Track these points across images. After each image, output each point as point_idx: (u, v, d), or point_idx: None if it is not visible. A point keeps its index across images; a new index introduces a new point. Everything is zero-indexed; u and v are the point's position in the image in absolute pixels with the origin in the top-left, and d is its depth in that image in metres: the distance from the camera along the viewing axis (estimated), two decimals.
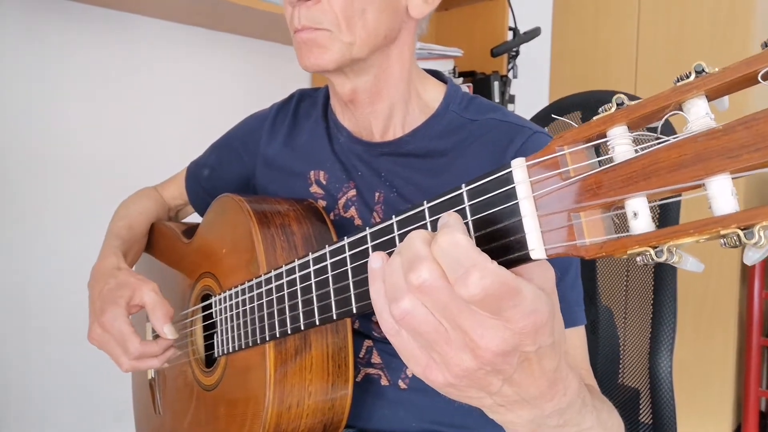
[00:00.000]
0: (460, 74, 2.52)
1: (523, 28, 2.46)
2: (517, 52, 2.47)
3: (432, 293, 0.48)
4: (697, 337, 2.97)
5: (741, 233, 0.36)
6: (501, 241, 0.50)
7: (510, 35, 2.53)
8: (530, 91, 3.15)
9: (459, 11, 2.71)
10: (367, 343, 1.07)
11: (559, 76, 3.61)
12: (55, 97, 1.91)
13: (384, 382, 1.06)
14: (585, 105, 1.48)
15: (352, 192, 1.10)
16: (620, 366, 1.38)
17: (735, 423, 2.96)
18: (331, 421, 0.99)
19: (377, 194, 1.07)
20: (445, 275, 0.48)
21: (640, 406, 1.31)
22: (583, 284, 1.01)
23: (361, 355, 1.07)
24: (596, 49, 3.44)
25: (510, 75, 2.49)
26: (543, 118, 1.55)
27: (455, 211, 0.54)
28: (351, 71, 1.01)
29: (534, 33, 2.41)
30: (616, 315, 1.42)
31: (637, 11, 3.27)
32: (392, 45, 1.03)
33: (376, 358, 1.06)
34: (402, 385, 1.04)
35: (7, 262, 1.85)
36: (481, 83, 2.45)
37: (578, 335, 0.97)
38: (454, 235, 0.48)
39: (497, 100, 2.43)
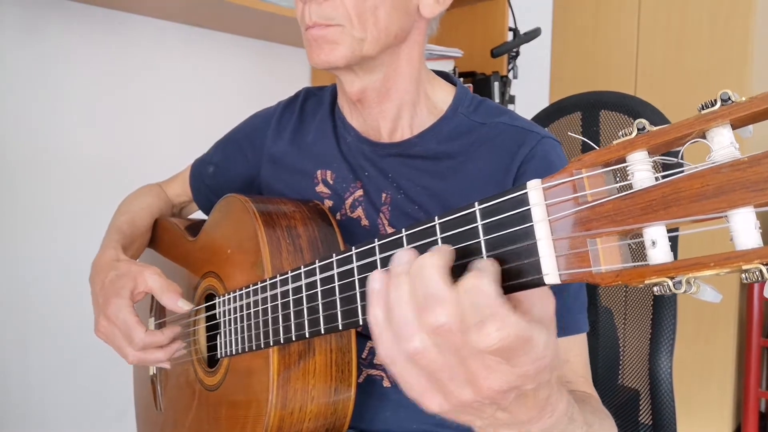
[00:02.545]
0: (461, 75, 2.52)
1: (523, 29, 2.46)
2: (518, 53, 2.46)
3: (447, 336, 0.48)
4: (697, 338, 2.98)
5: (764, 269, 0.36)
6: (514, 264, 0.49)
7: (510, 36, 2.52)
8: (530, 91, 3.15)
9: (459, 11, 2.71)
10: (370, 344, 1.07)
11: (560, 76, 3.60)
12: (55, 97, 1.91)
13: (386, 383, 1.05)
14: (585, 105, 1.47)
15: (359, 192, 1.09)
16: (620, 367, 1.38)
17: (735, 423, 2.96)
18: (333, 424, 0.99)
19: (384, 195, 1.07)
20: (463, 320, 0.47)
21: (640, 407, 1.31)
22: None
23: (363, 356, 1.07)
24: (596, 49, 3.44)
25: (510, 75, 2.48)
26: (543, 118, 1.54)
27: (468, 229, 0.53)
28: (360, 69, 1.01)
29: (534, 33, 2.41)
30: (616, 316, 1.41)
31: (637, 11, 3.26)
32: (402, 44, 1.02)
33: (378, 359, 1.06)
34: None
35: (8, 262, 1.85)
36: (481, 84, 2.44)
37: (580, 343, 0.97)
38: (481, 280, 0.47)
39: (497, 100, 2.43)
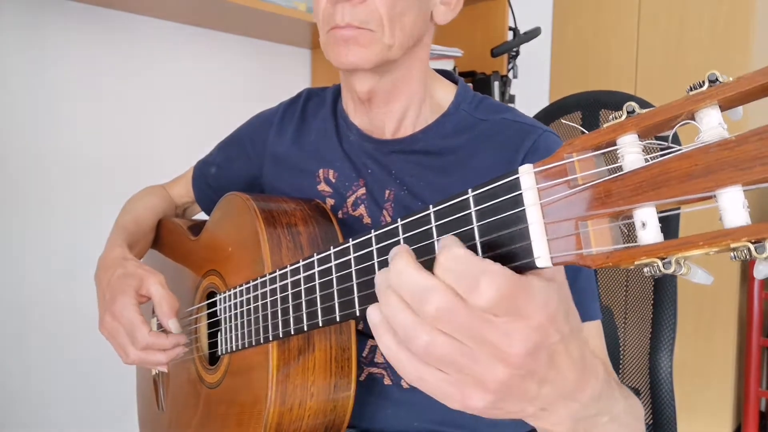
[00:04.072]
0: (461, 74, 2.52)
1: (523, 28, 2.46)
2: (518, 52, 2.46)
3: (450, 316, 0.48)
4: (697, 337, 2.97)
5: (752, 247, 0.36)
6: (507, 248, 0.49)
7: (510, 35, 2.53)
8: (530, 91, 3.15)
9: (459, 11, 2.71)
10: (371, 342, 1.07)
11: (559, 76, 3.60)
12: (55, 97, 1.91)
13: (387, 381, 1.05)
14: (585, 105, 1.48)
15: (362, 190, 1.10)
16: (620, 366, 1.38)
17: (735, 423, 2.96)
18: (333, 422, 0.99)
19: (387, 192, 1.07)
20: (457, 294, 0.47)
21: None
22: None
23: (364, 354, 1.07)
24: (596, 49, 3.44)
25: (510, 75, 2.48)
26: (543, 118, 1.55)
27: (461, 216, 0.54)
28: (379, 71, 1.02)
29: (534, 33, 2.41)
30: (616, 315, 1.41)
31: (637, 11, 3.26)
32: (416, 48, 1.04)
33: (379, 358, 1.06)
34: (405, 384, 1.04)
35: (8, 262, 1.85)
36: (481, 83, 2.44)
37: (595, 329, 0.97)
38: (452, 250, 0.48)
39: (497, 100, 2.43)
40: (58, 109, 1.92)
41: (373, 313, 0.53)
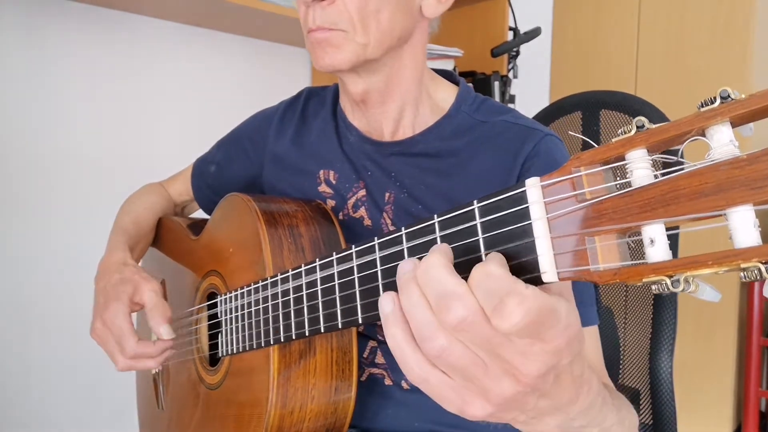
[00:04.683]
0: (461, 74, 2.52)
1: (523, 28, 2.46)
2: (518, 52, 2.46)
3: (470, 329, 0.46)
4: (697, 337, 2.98)
5: (763, 267, 0.35)
6: (512, 262, 0.49)
7: (510, 35, 2.52)
8: (530, 91, 3.15)
9: (459, 11, 2.70)
10: (372, 343, 1.07)
11: (559, 76, 3.60)
12: (55, 97, 1.91)
13: (388, 381, 1.05)
14: (585, 105, 1.47)
15: (362, 192, 1.09)
16: (620, 366, 1.38)
17: (735, 423, 2.96)
18: (333, 424, 0.99)
19: (387, 194, 1.07)
20: (482, 309, 0.46)
21: (641, 407, 1.31)
22: None
23: (365, 355, 1.07)
24: (596, 49, 3.43)
25: (510, 75, 2.48)
26: (543, 118, 1.54)
27: (467, 227, 0.53)
28: (364, 71, 1.01)
29: (534, 33, 2.41)
30: (616, 315, 1.41)
31: (637, 11, 3.26)
32: (405, 45, 1.03)
33: (380, 359, 1.06)
34: (405, 385, 1.04)
35: (8, 262, 1.85)
36: (481, 83, 2.44)
37: (591, 335, 0.97)
38: (487, 266, 0.46)
39: (497, 100, 2.43)
40: (58, 109, 1.91)
41: (386, 302, 0.52)
